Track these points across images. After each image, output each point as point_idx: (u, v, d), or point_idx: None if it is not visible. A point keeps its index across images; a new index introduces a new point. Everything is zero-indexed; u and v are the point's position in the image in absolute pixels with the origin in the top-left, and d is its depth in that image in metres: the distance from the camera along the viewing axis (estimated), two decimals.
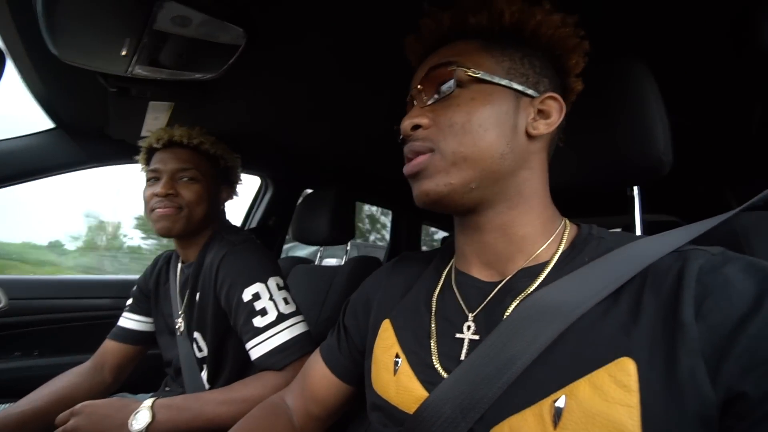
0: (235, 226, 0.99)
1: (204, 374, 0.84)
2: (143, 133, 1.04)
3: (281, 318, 0.76)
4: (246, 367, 0.80)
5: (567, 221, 0.47)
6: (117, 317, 0.98)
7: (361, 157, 1.39)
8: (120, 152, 1.13)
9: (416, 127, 0.44)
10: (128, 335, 0.96)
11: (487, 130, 0.41)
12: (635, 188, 0.64)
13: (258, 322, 0.75)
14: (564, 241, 0.44)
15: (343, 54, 0.76)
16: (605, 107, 0.58)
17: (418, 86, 0.46)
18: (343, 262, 1.32)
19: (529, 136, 0.43)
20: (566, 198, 0.58)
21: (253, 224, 1.49)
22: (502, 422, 0.35)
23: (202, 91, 0.89)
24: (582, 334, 0.35)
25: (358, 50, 0.75)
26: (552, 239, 0.44)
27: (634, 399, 0.30)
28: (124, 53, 0.64)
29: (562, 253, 0.43)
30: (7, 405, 0.80)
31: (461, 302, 0.45)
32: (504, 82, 0.42)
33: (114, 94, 0.81)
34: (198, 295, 0.85)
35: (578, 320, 0.35)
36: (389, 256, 1.94)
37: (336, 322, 0.61)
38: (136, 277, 1.07)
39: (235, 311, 0.78)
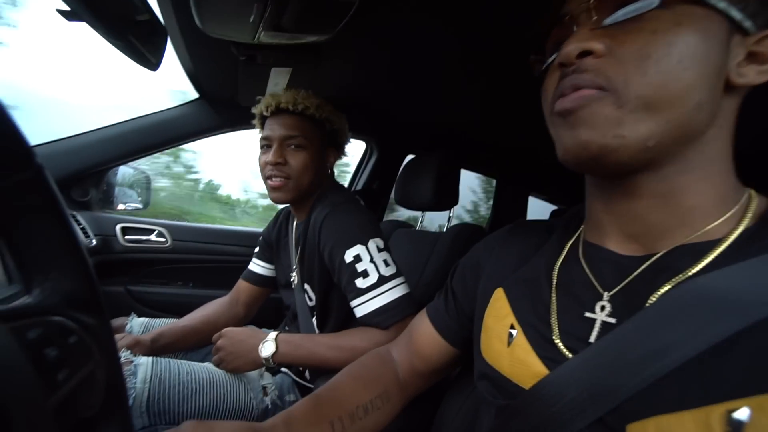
0: (340, 186, 1.02)
1: (314, 320, 0.93)
2: None
3: (382, 280, 0.78)
4: (350, 317, 0.86)
5: (753, 192, 0.36)
6: (247, 262, 1.15)
7: (467, 123, 1.31)
8: (248, 117, 1.27)
9: (584, 54, 0.33)
10: (255, 278, 1.11)
11: (688, 69, 0.30)
12: None
13: (360, 283, 0.78)
14: (748, 216, 0.34)
15: (454, 18, 0.71)
16: None
17: (591, 0, 0.34)
18: (445, 229, 1.30)
19: (729, 86, 0.32)
20: (750, 165, 0.44)
21: (359, 188, 1.55)
22: (647, 419, 0.30)
23: (316, 56, 0.93)
24: None
25: (469, 15, 0.69)
26: (731, 214, 0.34)
27: None
28: (252, 19, 0.68)
29: (745, 230, 0.33)
30: (171, 320, 1.02)
31: (592, 278, 0.39)
32: (722, 5, 0.30)
33: (243, 62, 0.89)
34: (306, 251, 0.92)
35: None
36: (491, 227, 1.85)
37: (439, 286, 0.60)
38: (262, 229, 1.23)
39: (338, 271, 0.82)
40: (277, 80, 1.04)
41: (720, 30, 0.31)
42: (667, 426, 0.29)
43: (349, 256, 0.80)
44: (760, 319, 0.27)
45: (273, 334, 0.78)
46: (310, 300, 0.94)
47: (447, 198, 1.16)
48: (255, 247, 1.13)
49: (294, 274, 0.98)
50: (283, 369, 0.94)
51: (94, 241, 1.20)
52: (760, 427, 0.26)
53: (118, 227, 1.30)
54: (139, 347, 0.84)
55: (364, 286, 0.78)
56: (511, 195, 1.81)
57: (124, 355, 0.75)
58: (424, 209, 1.27)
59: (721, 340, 0.28)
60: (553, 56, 0.38)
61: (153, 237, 1.35)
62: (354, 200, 0.93)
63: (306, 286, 0.94)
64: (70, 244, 0.23)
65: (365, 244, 0.81)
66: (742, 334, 0.28)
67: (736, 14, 0.31)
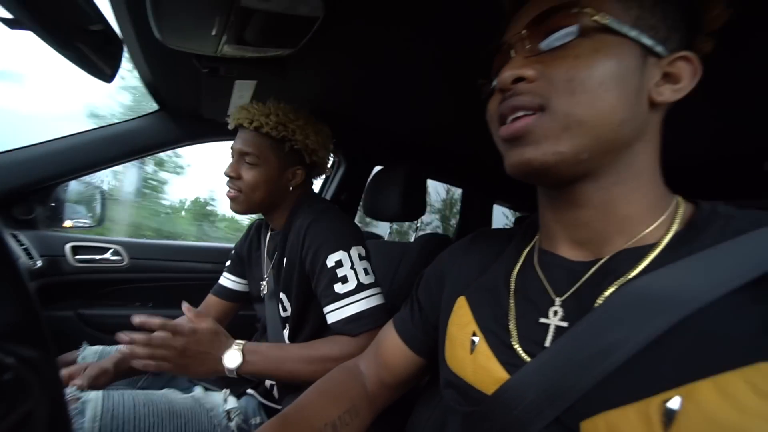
0: (319, 196, 1.01)
1: (286, 332, 0.92)
2: (229, 112, 1.12)
3: (360, 288, 0.79)
4: (324, 329, 0.85)
5: (681, 199, 0.40)
6: (213, 279, 1.11)
7: (433, 134, 1.35)
8: (211, 130, 1.24)
9: (519, 80, 0.37)
10: (225, 292, 1.08)
11: (609, 90, 0.34)
12: None
13: (338, 288, 0.79)
14: (677, 221, 0.37)
15: (422, 30, 0.73)
16: (739, 54, 0.46)
17: (523, 31, 0.38)
18: (413, 239, 1.32)
19: (651, 104, 0.36)
20: (676, 175, 0.49)
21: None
22: (597, 416, 0.32)
23: (281, 69, 0.93)
24: (705, 329, 0.30)
25: (436, 27, 0.71)
26: (662, 220, 0.38)
27: None
28: (214, 33, 0.68)
29: (675, 235, 0.36)
30: None
31: (545, 284, 0.41)
32: (633, 33, 0.35)
33: (206, 74, 0.87)
34: (285, 259, 0.90)
35: (699, 313, 0.30)
36: (458, 236, 1.89)
37: (406, 296, 0.61)
38: (231, 245, 1.19)
39: (317, 275, 0.82)
40: (242, 92, 1.03)
41: (634, 55, 0.35)
42: (614, 420, 0.31)
43: (331, 261, 0.80)
44: (687, 314, 0.30)
45: (239, 343, 0.75)
46: (284, 310, 0.92)
47: (414, 208, 1.18)
48: (217, 262, 1.10)
49: (264, 283, 0.96)
50: (249, 391, 0.91)
51: (39, 263, 1.11)
52: (690, 414, 0.28)
53: (67, 246, 1.21)
54: (106, 376, 0.79)
55: (341, 292, 0.78)
56: (477, 204, 1.86)
57: (70, 391, 0.69)
58: (392, 220, 1.28)
59: (657, 337, 0.31)
60: (495, 81, 0.41)
61: (108, 256, 1.27)
62: (336, 208, 0.94)
63: (282, 295, 0.92)
64: (5, 271, 0.22)
65: (348, 250, 0.82)
66: (673, 330, 0.30)
67: (647, 41, 0.35)
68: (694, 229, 0.36)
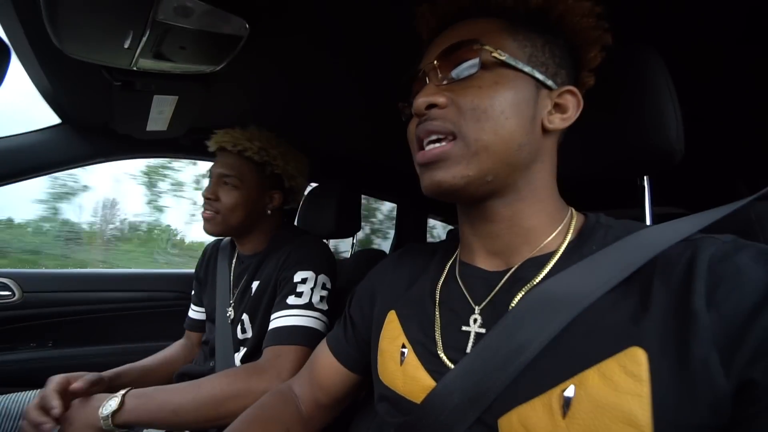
0: (297, 227, 1.10)
1: (239, 355, 0.88)
2: (148, 128, 1.04)
3: (309, 306, 0.82)
4: None
5: (573, 211, 0.46)
6: (125, 309, 1.00)
7: (366, 149, 1.38)
8: (126, 147, 1.14)
9: (431, 106, 0.41)
10: (194, 324, 1.06)
11: (509, 118, 0.39)
12: (645, 178, 0.62)
13: (291, 300, 0.82)
14: (571, 231, 0.43)
15: (347, 44, 0.75)
16: (615, 94, 0.56)
17: (434, 62, 0.42)
18: (349, 255, 1.32)
19: (544, 130, 0.42)
20: (573, 189, 0.57)
21: None
22: (510, 411, 0.35)
23: (205, 84, 0.89)
24: (591, 324, 0.35)
25: (361, 39, 0.74)
26: (559, 230, 0.43)
27: (644, 389, 0.30)
28: (126, 46, 0.63)
29: (569, 243, 0.42)
30: (17, 394, 0.82)
31: (466, 294, 0.45)
32: (527, 69, 0.40)
33: (118, 87, 0.81)
34: (257, 282, 0.90)
35: (587, 310, 0.35)
36: (394, 250, 1.94)
37: (342, 313, 0.61)
38: (141, 270, 1.09)
39: (282, 288, 0.85)
40: (162, 108, 0.96)
41: (529, 87, 0.41)
42: (524, 413, 0.34)
43: (298, 277, 0.84)
44: (579, 312, 0.35)
45: (123, 391, 0.67)
46: (243, 332, 0.90)
47: (349, 225, 1.19)
48: (129, 290, 1.01)
49: (230, 309, 0.93)
50: None
51: None
52: (582, 399, 0.32)
53: None
54: (100, 386, 0.73)
55: (291, 303, 0.81)
56: (411, 219, 1.93)
57: None
58: (327, 237, 1.28)
59: (556, 334, 0.35)
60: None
61: None
62: (319, 238, 0.99)
63: (244, 316, 0.90)
64: None
65: (317, 274, 0.86)
66: (569, 327, 0.35)
67: (539, 75, 0.41)
68: (582, 237, 0.42)
